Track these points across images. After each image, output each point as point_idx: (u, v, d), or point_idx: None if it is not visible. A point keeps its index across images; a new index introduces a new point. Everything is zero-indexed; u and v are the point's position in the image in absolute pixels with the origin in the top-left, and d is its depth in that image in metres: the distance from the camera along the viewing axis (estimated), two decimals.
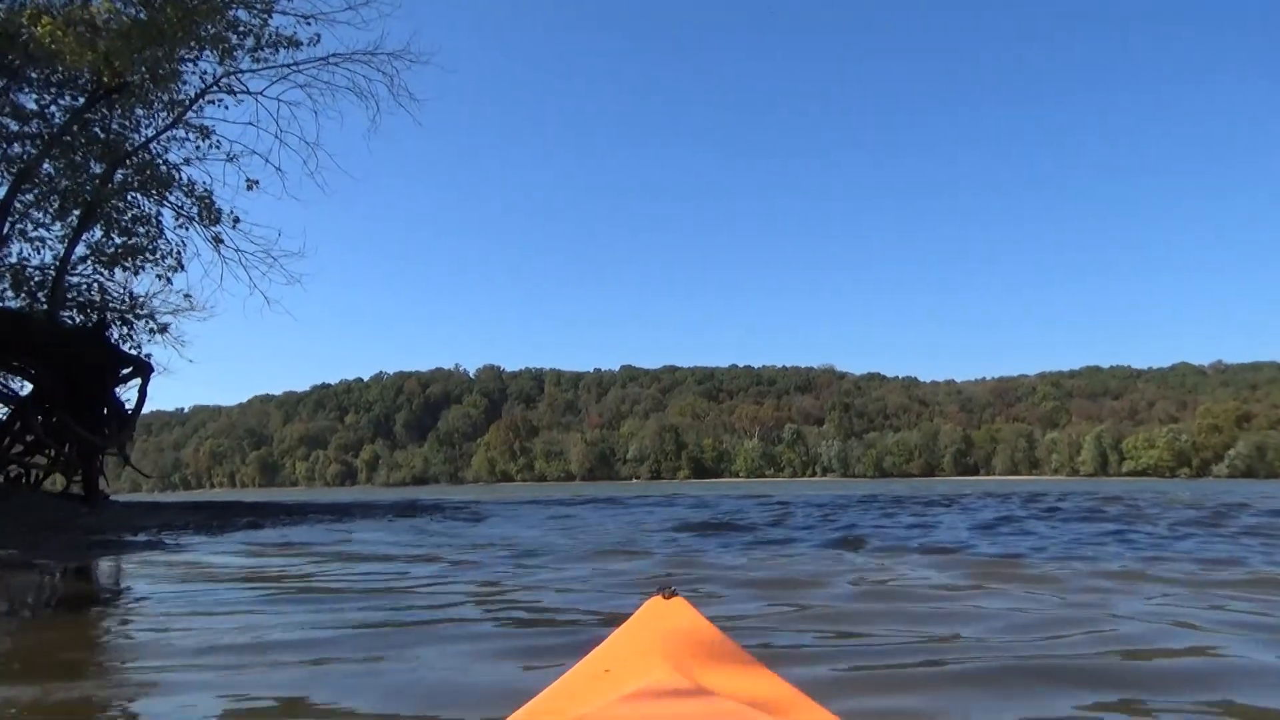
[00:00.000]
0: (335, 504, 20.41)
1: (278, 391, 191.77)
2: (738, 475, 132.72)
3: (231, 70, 16.05)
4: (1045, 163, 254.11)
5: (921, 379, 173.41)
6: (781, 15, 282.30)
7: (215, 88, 16.15)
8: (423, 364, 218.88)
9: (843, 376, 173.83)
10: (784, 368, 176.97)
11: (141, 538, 9.01)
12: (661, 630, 1.46)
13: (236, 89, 16.38)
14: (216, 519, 12.32)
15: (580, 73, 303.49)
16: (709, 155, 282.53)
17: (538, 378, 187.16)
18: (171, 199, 16.52)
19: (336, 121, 17.15)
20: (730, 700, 1.18)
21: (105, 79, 11.66)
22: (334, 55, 16.31)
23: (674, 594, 1.55)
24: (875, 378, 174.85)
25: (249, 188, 16.18)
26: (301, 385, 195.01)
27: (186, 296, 16.41)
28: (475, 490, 70.50)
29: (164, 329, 17.08)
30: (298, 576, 5.64)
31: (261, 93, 16.41)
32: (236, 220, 16.50)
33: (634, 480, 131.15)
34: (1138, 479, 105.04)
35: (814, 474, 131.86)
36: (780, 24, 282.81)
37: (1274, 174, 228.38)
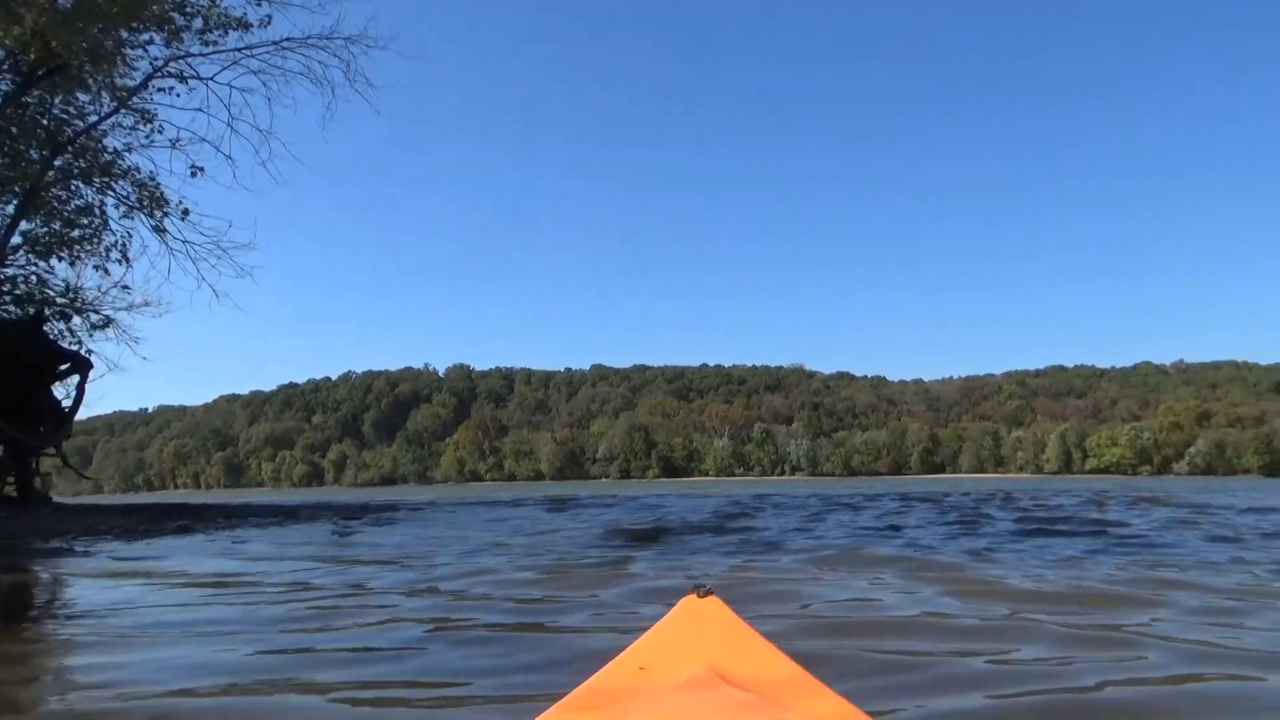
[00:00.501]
0: (286, 506, 19.77)
1: (244, 391, 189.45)
2: (708, 474, 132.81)
3: (180, 54, 15.42)
4: (1011, 165, 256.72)
5: (890, 378, 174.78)
6: (761, 13, 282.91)
7: (164, 72, 15.51)
8: (392, 363, 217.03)
9: (812, 376, 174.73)
10: (754, 367, 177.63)
11: (54, 544, 8.40)
12: (696, 628, 1.49)
13: (186, 74, 15.75)
14: (147, 523, 11.69)
15: (555, 67, 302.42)
16: (679, 154, 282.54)
17: (508, 377, 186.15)
18: (117, 188, 15.87)
19: (291, 109, 16.54)
20: (765, 699, 1.19)
21: (34, 56, 11.01)
22: (287, 40, 15.73)
23: (709, 593, 1.56)
24: (844, 377, 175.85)
25: (193, 174, 15.56)
26: (268, 385, 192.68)
27: (125, 289, 15.74)
28: (443, 490, 69.68)
29: (107, 323, 16.42)
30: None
31: (212, 78, 15.78)
32: (186, 212, 15.90)
33: (604, 479, 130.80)
34: (1101, 476, 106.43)
35: (783, 473, 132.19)
36: (750, 23, 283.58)
37: (1233, 177, 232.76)
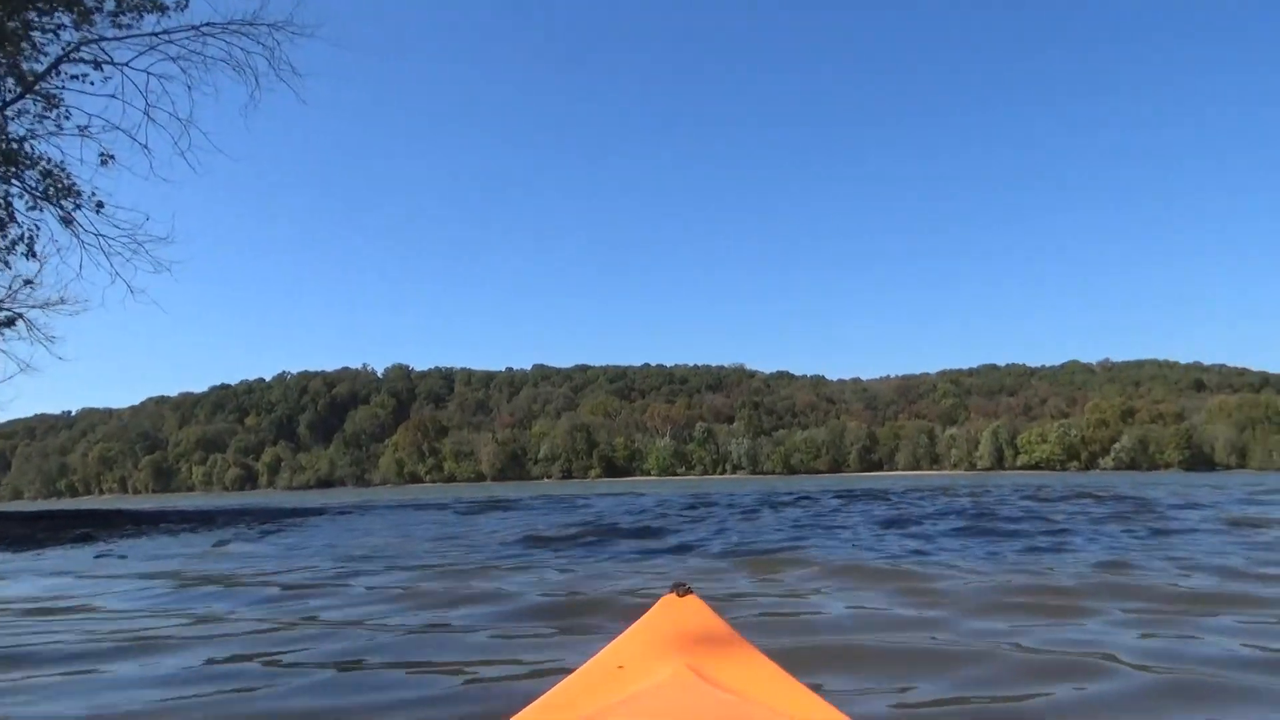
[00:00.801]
0: (206, 511, 19.26)
1: (173, 392, 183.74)
2: (649, 474, 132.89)
3: (92, 38, 14.81)
4: (944, 168, 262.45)
5: (829, 377, 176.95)
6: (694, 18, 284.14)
7: (74, 58, 14.88)
8: (328, 363, 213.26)
9: (753, 375, 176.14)
10: (695, 367, 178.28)
11: None
12: (675, 627, 1.48)
13: (101, 60, 15.13)
14: (48, 531, 11.22)
15: (492, 65, 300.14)
16: (618, 156, 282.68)
17: (448, 377, 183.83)
18: (24, 177, 15.20)
19: (212, 97, 15.97)
20: (743, 697, 1.18)
21: None
22: (207, 24, 15.22)
23: (688, 591, 1.55)
24: (784, 376, 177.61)
25: (103, 163, 14.95)
26: (199, 386, 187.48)
27: (28, 283, 15.10)
28: (380, 493, 68.35)
29: (13, 321, 15.76)
30: None
31: (128, 64, 15.16)
32: (100, 204, 15.28)
33: (546, 480, 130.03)
34: (1031, 472, 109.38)
35: (724, 472, 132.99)
36: (693, 26, 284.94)
37: (1159, 182, 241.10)
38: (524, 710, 1.19)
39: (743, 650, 1.41)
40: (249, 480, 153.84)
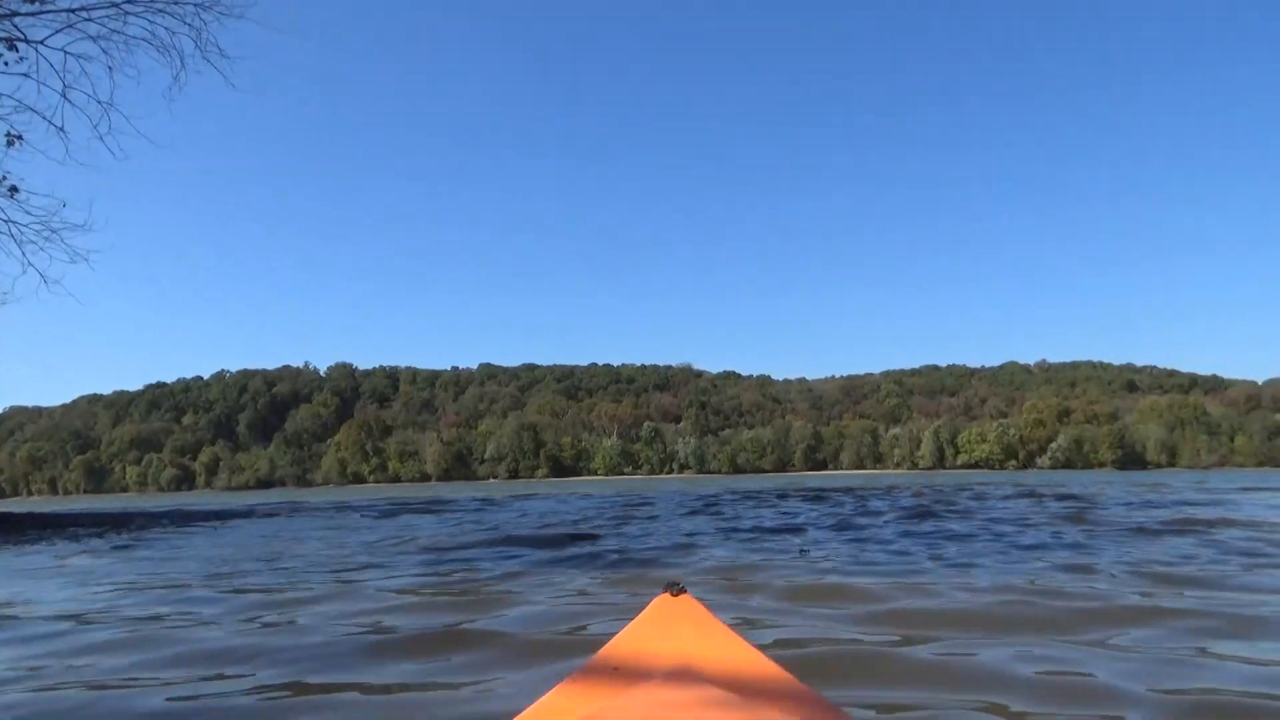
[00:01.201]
0: (121, 513, 18.64)
1: (107, 391, 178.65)
2: (596, 473, 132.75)
3: (3, 13, 14.11)
4: (887, 170, 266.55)
5: (775, 377, 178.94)
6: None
7: None
8: (269, 361, 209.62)
9: (700, 375, 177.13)
10: (642, 366, 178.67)
11: None
12: (669, 628, 1.47)
13: (13, 36, 14.42)
14: None
15: (446, 62, 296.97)
16: (565, 157, 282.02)
17: (392, 376, 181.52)
18: None
19: (134, 79, 15.26)
20: (739, 697, 1.17)
21: None
22: (129, 1, 14.60)
23: (682, 591, 1.55)
24: (731, 376, 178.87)
25: (9, 143, 14.27)
26: (134, 384, 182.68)
27: None
28: (321, 493, 67.01)
29: None
30: None
31: (43, 42, 14.49)
32: (14, 189, 14.58)
33: (492, 480, 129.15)
34: (971, 471, 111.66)
35: (671, 471, 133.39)
36: (646, 29, 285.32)
37: (1092, 187, 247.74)
38: (519, 716, 1.18)
39: (740, 649, 1.40)
40: (186, 481, 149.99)
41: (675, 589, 1.56)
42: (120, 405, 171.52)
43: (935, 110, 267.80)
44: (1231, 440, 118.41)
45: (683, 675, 1.25)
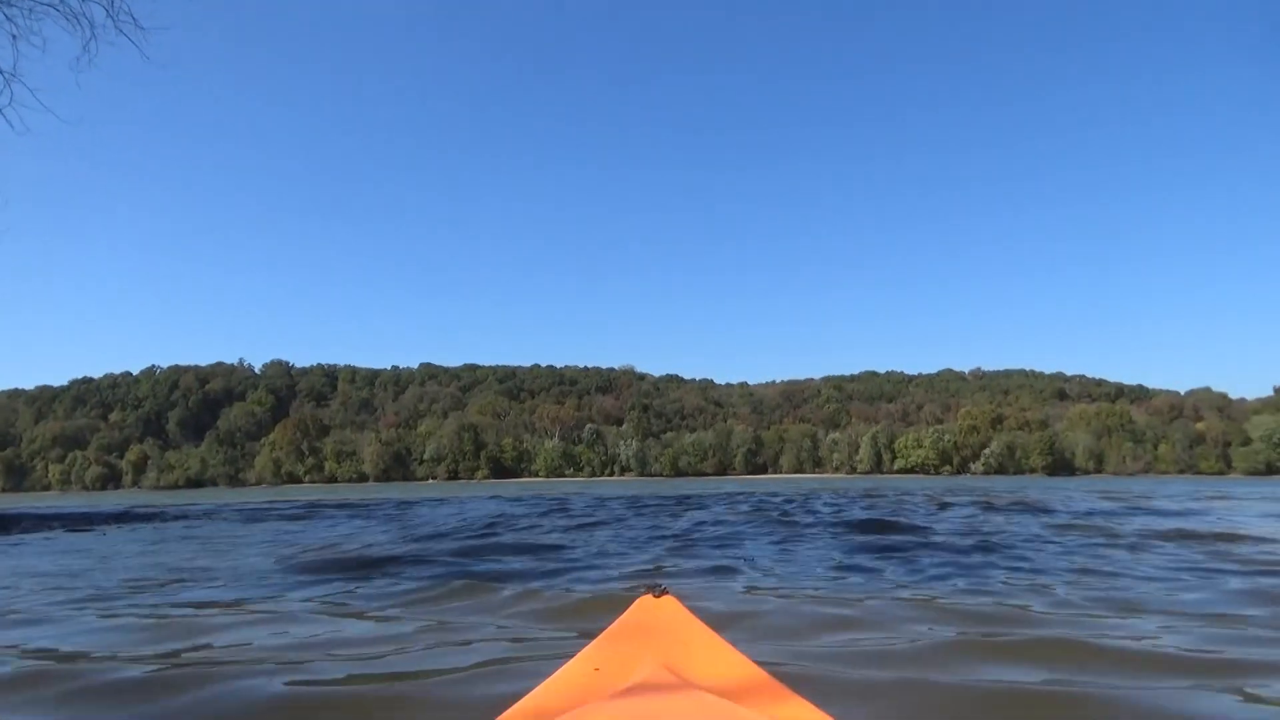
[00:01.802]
0: (10, 515, 17.82)
1: (29, 386, 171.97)
2: (538, 475, 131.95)
3: None
4: (827, 177, 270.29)
5: (717, 381, 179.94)
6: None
7: None
8: (201, 357, 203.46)
9: (642, 378, 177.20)
10: (585, 368, 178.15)
11: None
12: (651, 628, 1.47)
13: None
14: None
15: (381, 59, 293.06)
16: (509, 156, 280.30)
17: (330, 374, 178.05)
18: None
19: (40, 49, 14.52)
20: (719, 696, 1.17)
21: None
22: None
23: (664, 592, 1.55)
24: (673, 379, 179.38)
25: None
26: (58, 379, 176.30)
27: None
28: (254, 493, 65.18)
29: None
30: None
31: None
32: None
33: (431, 481, 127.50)
34: (908, 476, 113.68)
35: (612, 473, 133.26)
36: (589, 27, 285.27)
37: (1024, 197, 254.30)
38: (501, 715, 1.18)
39: (721, 650, 1.40)
40: (112, 479, 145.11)
41: (657, 590, 1.56)
42: (44, 401, 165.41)
43: (873, 116, 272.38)
44: (1155, 448, 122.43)
45: (664, 675, 1.25)
